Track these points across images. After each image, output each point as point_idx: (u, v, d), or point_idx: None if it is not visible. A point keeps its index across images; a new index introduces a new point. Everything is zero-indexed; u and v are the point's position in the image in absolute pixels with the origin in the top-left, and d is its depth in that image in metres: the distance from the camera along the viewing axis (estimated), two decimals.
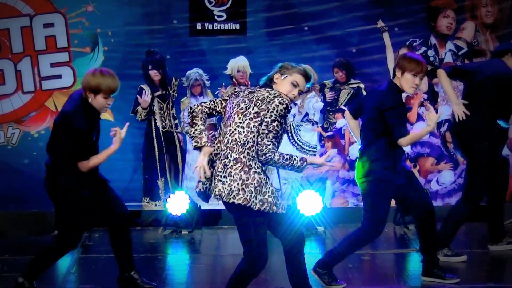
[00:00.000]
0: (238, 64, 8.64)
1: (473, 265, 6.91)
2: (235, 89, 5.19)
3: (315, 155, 8.71)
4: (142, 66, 8.67)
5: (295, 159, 4.99)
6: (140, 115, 8.63)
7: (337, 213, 8.79)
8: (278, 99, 4.93)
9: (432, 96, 8.97)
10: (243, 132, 4.92)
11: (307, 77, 5.14)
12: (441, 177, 9.01)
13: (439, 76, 7.07)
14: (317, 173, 8.78)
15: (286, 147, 8.53)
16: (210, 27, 8.87)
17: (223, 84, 8.74)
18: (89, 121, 5.72)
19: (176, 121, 8.78)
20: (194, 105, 5.19)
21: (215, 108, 5.17)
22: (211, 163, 5.05)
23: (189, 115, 5.18)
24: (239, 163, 4.90)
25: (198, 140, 5.03)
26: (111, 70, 5.81)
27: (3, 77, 8.76)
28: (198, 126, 5.09)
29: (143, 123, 8.72)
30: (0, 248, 7.87)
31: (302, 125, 8.54)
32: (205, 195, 5.10)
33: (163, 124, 8.73)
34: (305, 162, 5.04)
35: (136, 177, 8.82)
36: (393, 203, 6.54)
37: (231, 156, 4.92)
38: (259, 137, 4.90)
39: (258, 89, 5.07)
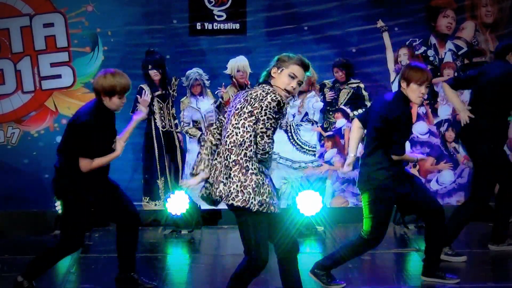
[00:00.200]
0: (238, 64, 8.63)
1: (473, 265, 6.91)
2: (236, 92, 5.23)
3: (314, 155, 8.73)
4: (142, 66, 8.66)
5: None
6: None
7: (337, 213, 8.78)
8: (270, 96, 4.92)
9: (432, 96, 8.97)
10: (239, 133, 4.93)
11: (304, 66, 5.11)
12: (441, 177, 9.00)
13: (444, 90, 7.29)
14: (317, 173, 8.78)
15: (286, 146, 8.56)
16: (210, 26, 8.87)
17: (223, 84, 8.74)
18: (101, 120, 5.74)
19: (176, 121, 8.77)
20: (205, 131, 5.30)
21: (222, 125, 5.19)
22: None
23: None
24: (237, 165, 4.91)
25: (194, 167, 5.13)
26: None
27: (3, 76, 8.75)
28: (201, 154, 5.18)
29: (143, 122, 8.69)
30: (0, 247, 7.87)
31: (302, 125, 8.55)
32: (210, 200, 5.10)
33: (163, 124, 8.73)
34: None
35: (136, 177, 8.81)
36: None
37: (230, 158, 4.94)
38: (258, 136, 4.91)
39: (253, 88, 5.08)
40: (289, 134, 8.58)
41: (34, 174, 8.70)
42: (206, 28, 8.88)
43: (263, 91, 4.96)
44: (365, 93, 8.83)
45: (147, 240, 8.27)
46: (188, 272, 7.19)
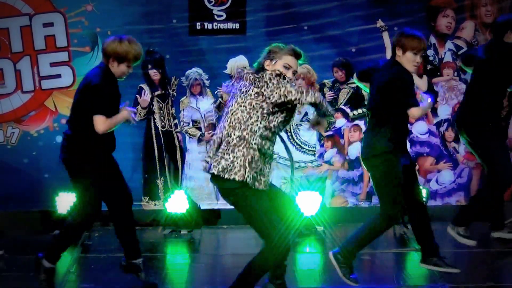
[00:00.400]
0: (238, 63, 8.64)
1: (473, 265, 6.91)
2: (239, 72, 5.25)
3: (314, 155, 8.72)
4: (141, 65, 8.65)
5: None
6: (140, 114, 8.62)
7: (337, 213, 8.78)
8: (268, 74, 5.06)
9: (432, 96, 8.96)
10: (245, 110, 5.03)
11: (296, 55, 5.17)
12: (441, 177, 9.00)
13: None
14: (317, 173, 8.78)
15: None
16: (209, 26, 8.87)
17: (223, 83, 8.72)
18: (109, 84, 5.77)
19: (176, 121, 8.77)
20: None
21: None
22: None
23: None
24: (242, 140, 4.99)
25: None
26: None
27: (3, 76, 8.75)
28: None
29: (143, 122, 8.71)
30: (0, 247, 7.88)
31: (301, 125, 8.54)
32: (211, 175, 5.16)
33: (163, 123, 8.73)
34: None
35: (136, 177, 8.81)
36: None
37: (234, 135, 5.00)
38: (271, 113, 4.99)
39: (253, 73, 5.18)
40: (289, 133, 8.58)
41: (34, 174, 8.69)
42: (206, 28, 8.87)
43: (264, 73, 5.09)
44: (364, 93, 8.83)
45: (146, 239, 8.27)
46: (187, 272, 7.20)
